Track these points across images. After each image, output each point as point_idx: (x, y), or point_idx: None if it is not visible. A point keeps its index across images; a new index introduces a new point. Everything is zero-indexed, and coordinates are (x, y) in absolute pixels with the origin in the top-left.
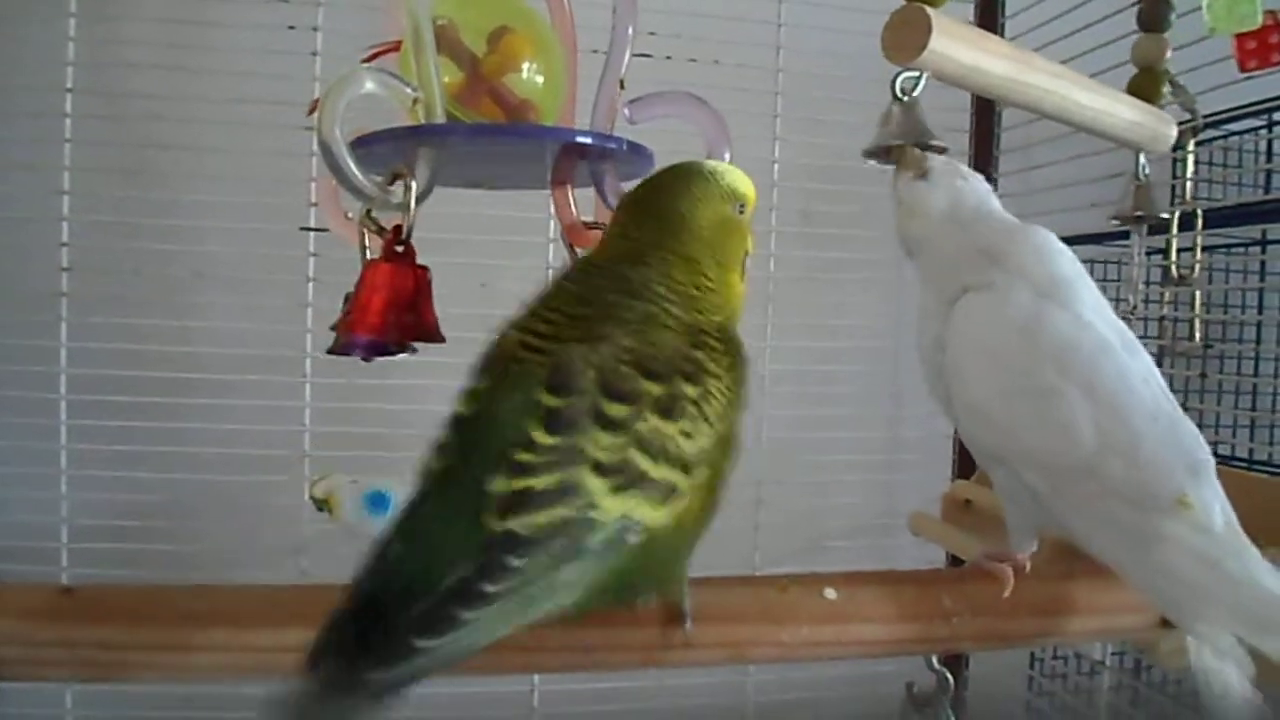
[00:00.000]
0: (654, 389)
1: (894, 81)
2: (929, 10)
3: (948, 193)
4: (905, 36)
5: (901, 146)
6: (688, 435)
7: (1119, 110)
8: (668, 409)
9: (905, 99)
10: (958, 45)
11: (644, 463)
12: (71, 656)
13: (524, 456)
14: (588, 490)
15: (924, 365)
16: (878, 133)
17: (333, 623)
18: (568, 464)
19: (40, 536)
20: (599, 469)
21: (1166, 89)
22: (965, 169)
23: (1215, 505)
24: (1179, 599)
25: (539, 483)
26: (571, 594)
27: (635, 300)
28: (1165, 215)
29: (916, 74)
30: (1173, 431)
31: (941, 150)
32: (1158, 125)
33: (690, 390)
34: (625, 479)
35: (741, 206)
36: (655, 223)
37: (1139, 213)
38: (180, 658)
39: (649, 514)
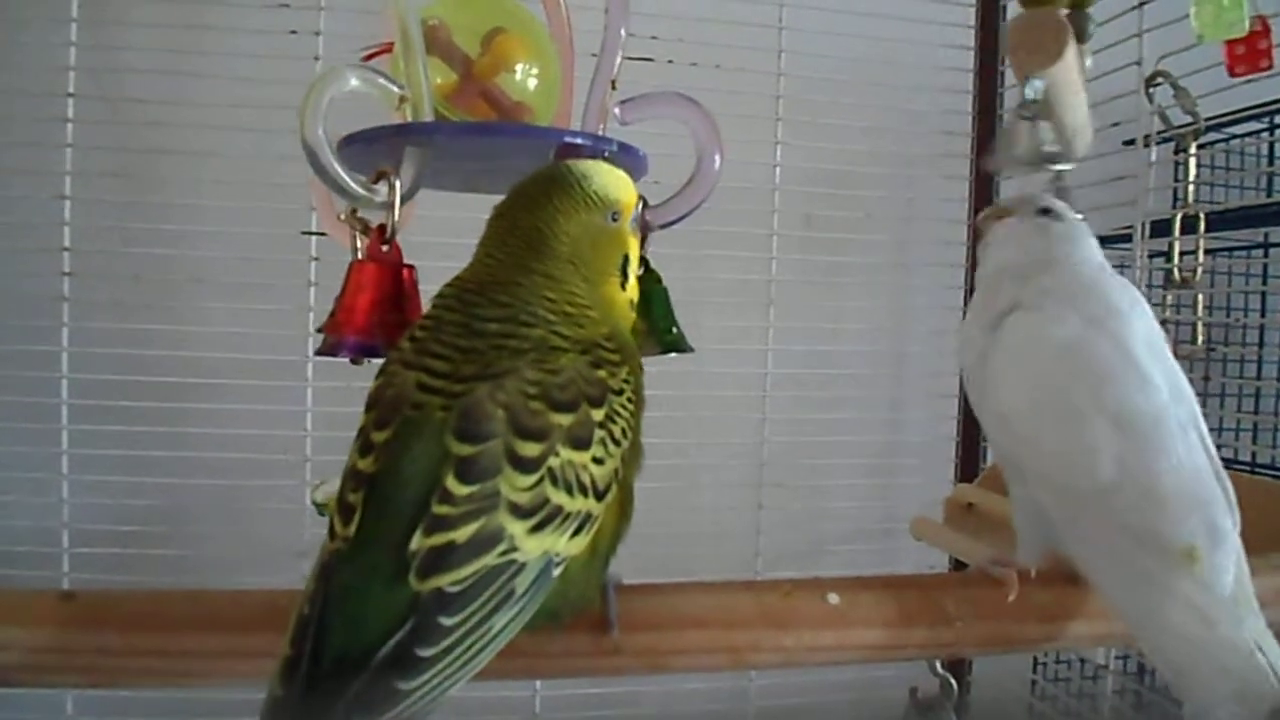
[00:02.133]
0: (564, 420)
1: (1024, 89)
2: (1060, 13)
3: (1038, 232)
4: (1040, 40)
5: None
6: (599, 461)
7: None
8: (579, 439)
9: (1030, 109)
10: (1074, 49)
11: (560, 497)
12: (72, 662)
13: (441, 509)
14: (509, 535)
15: (964, 369)
16: (1002, 151)
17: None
18: (486, 511)
19: (41, 541)
20: (517, 511)
21: (1169, 92)
22: (1067, 212)
23: (1228, 570)
24: (1170, 653)
25: (459, 535)
26: (506, 639)
27: (523, 327)
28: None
29: (1041, 82)
30: (1197, 483)
31: (1061, 163)
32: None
33: (597, 415)
34: (543, 517)
35: (615, 214)
36: (516, 240)
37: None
38: (181, 663)
39: (568, 546)
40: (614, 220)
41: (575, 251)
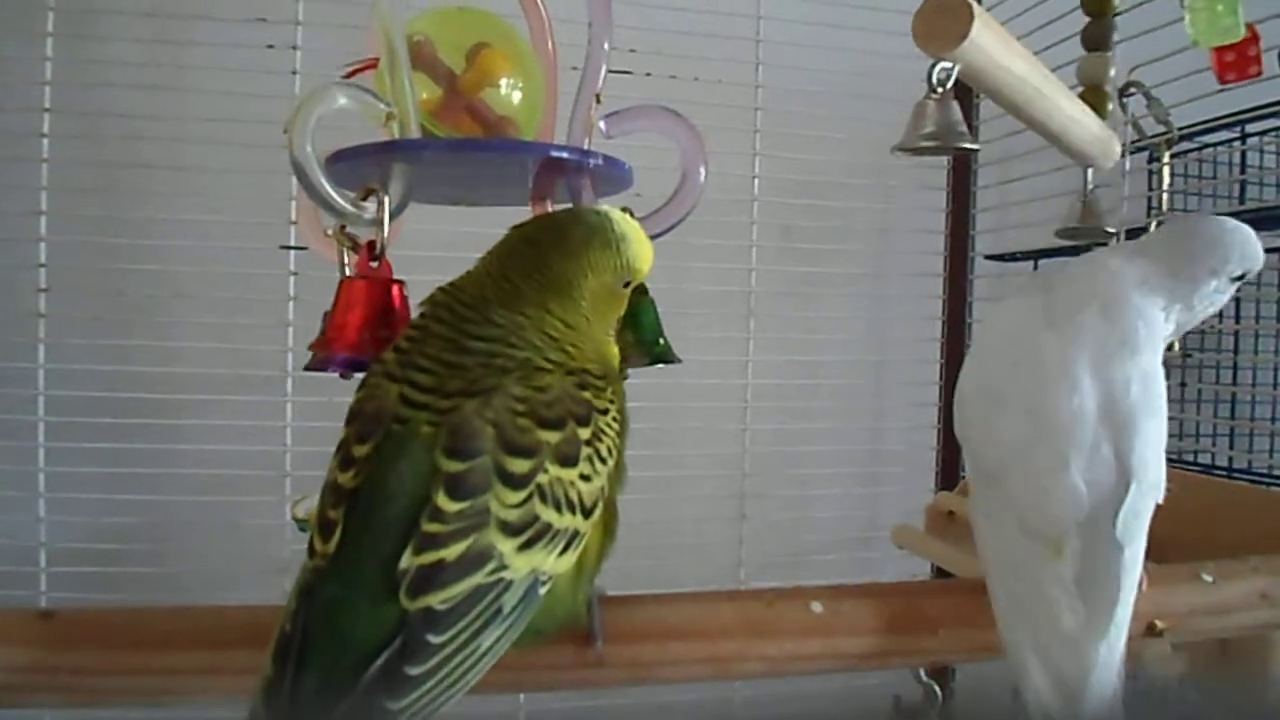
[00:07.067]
0: (551, 437)
1: (930, 73)
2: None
3: None
4: (942, 24)
5: None
6: (586, 479)
7: (1086, 122)
8: (566, 456)
9: (940, 91)
10: (992, 38)
11: (548, 514)
12: (51, 682)
13: (431, 527)
14: (498, 553)
15: None
16: (910, 130)
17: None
18: (476, 529)
19: (19, 560)
20: (506, 528)
21: (1143, 102)
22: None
23: (1104, 580)
24: (1017, 641)
25: (450, 553)
26: (494, 658)
27: (510, 348)
28: (1111, 230)
29: (950, 65)
30: (1098, 490)
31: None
32: (1109, 140)
33: (584, 433)
34: (532, 534)
35: (628, 281)
36: (538, 277)
37: (1086, 225)
38: (162, 680)
39: (555, 564)
40: (625, 286)
41: (593, 306)
